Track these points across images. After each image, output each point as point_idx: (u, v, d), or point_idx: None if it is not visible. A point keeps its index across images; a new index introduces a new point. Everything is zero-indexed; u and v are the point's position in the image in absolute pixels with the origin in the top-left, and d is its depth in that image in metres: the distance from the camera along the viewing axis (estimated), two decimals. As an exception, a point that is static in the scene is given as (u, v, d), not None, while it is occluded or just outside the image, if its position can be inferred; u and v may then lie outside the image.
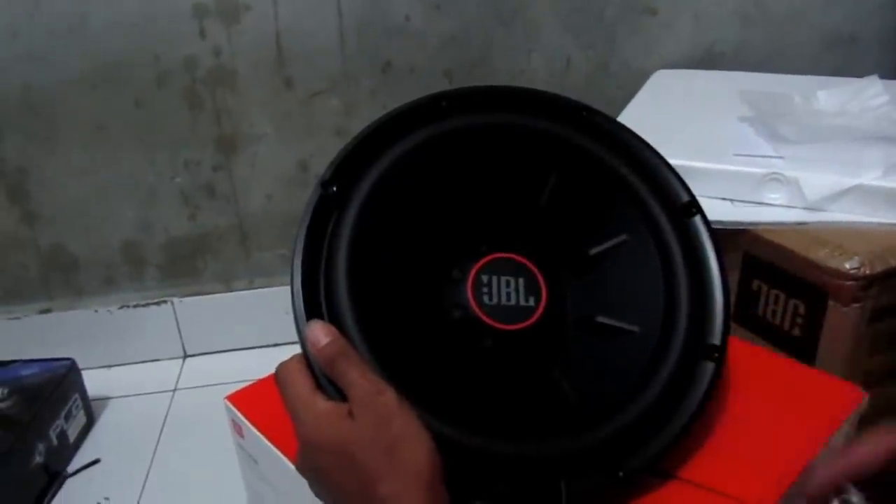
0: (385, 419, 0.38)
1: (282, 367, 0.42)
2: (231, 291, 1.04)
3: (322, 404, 0.40)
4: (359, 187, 0.46)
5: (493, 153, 0.50)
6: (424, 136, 0.48)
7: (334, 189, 0.46)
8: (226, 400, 0.53)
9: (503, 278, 0.47)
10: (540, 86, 0.54)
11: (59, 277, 1.00)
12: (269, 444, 0.49)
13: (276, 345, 1.05)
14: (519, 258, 0.48)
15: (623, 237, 0.49)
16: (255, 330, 1.05)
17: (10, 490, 0.77)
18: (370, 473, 0.37)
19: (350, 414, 0.39)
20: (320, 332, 0.41)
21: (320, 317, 0.42)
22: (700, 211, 0.50)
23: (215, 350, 1.06)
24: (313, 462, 0.40)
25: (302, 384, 0.41)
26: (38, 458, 0.81)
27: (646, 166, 0.51)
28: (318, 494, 0.42)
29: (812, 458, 0.45)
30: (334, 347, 0.40)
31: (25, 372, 0.88)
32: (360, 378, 0.40)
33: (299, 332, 0.42)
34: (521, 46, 0.93)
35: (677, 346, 0.46)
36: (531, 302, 0.47)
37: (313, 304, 0.43)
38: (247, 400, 0.53)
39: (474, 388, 0.44)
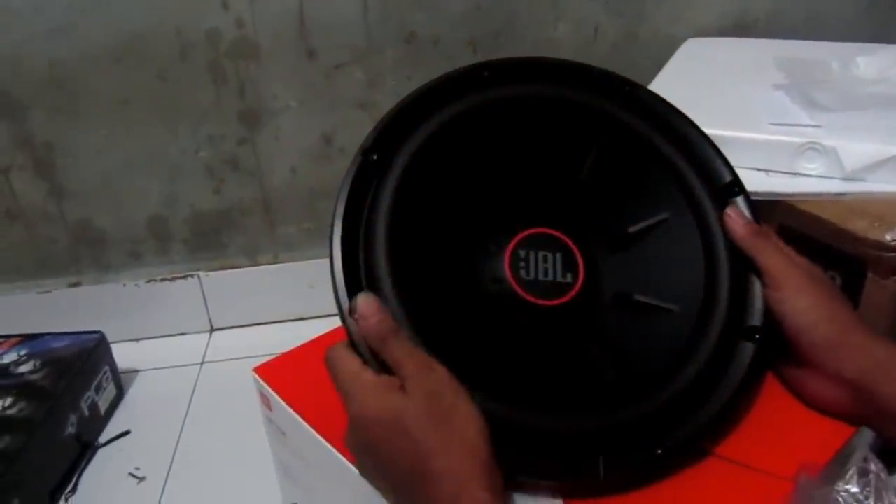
0: (437, 395, 0.38)
1: (329, 350, 0.42)
2: (256, 266, 1.04)
3: (371, 378, 0.40)
4: (399, 156, 0.45)
5: (534, 126, 0.50)
6: (466, 105, 0.48)
7: (375, 157, 0.45)
8: (253, 372, 0.53)
9: (541, 253, 0.47)
10: (566, 55, 0.53)
11: (87, 252, 1.01)
12: (296, 416, 0.49)
13: (300, 319, 1.05)
14: (557, 234, 0.48)
15: (664, 215, 0.49)
16: (281, 304, 1.05)
17: (44, 459, 0.78)
18: (424, 447, 0.37)
19: (401, 388, 0.39)
20: (367, 308, 0.41)
21: (359, 285, 0.42)
22: (743, 191, 0.50)
23: (241, 324, 1.07)
24: (364, 437, 0.40)
25: (350, 361, 0.41)
26: (71, 429, 0.83)
27: (689, 144, 0.51)
28: (366, 473, 0.41)
29: (850, 434, 0.44)
30: (384, 324, 0.40)
31: (56, 344, 0.90)
32: (411, 355, 0.39)
33: (338, 299, 0.42)
34: (548, 15, 0.91)
35: (717, 327, 0.45)
36: (568, 278, 0.47)
37: (352, 271, 0.42)
38: (274, 372, 0.53)
39: (511, 362, 0.44)
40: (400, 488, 0.39)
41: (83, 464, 0.84)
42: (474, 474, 0.36)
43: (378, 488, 0.41)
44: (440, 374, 0.39)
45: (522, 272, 0.46)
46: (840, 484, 0.36)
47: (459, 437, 0.37)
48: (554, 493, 0.41)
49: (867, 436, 0.42)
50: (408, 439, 0.37)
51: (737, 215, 0.48)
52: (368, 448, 0.40)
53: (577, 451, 0.41)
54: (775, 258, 0.46)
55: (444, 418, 0.37)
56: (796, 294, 0.44)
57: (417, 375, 0.39)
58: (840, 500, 0.37)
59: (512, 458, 0.39)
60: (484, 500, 0.35)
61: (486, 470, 0.37)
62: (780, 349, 0.46)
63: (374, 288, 0.42)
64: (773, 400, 0.47)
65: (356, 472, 0.43)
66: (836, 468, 0.39)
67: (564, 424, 0.42)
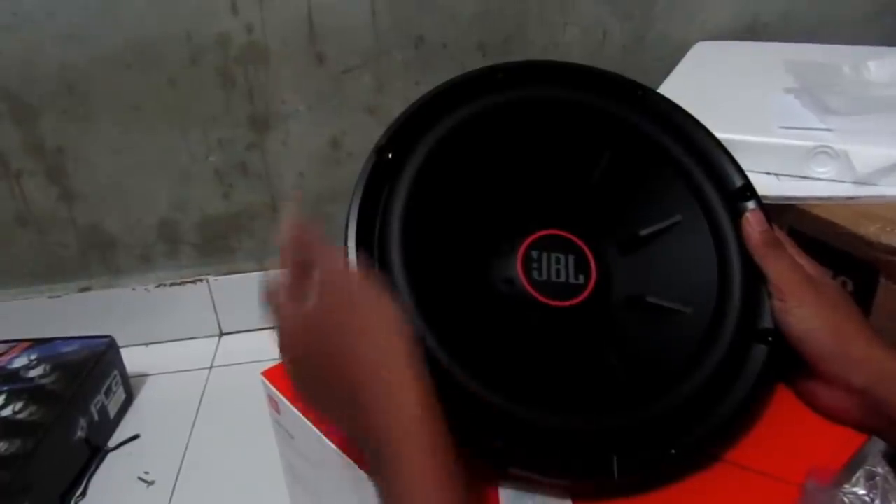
0: (343, 289, 0.39)
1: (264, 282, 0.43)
2: (265, 270, 1.04)
3: (292, 303, 0.41)
4: (413, 156, 0.46)
5: (547, 128, 0.50)
6: (479, 107, 0.48)
7: (389, 156, 0.45)
8: (262, 375, 0.53)
9: (553, 255, 0.47)
10: (575, 59, 0.53)
11: (97, 256, 1.01)
12: (304, 419, 0.49)
13: (309, 323, 1.05)
14: (569, 236, 0.48)
15: (675, 218, 0.49)
16: (289, 308, 1.05)
17: (54, 463, 0.79)
18: (340, 340, 0.37)
19: (318, 298, 0.39)
20: (289, 222, 0.42)
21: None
22: (755, 195, 0.50)
23: (250, 328, 1.07)
24: (292, 352, 0.41)
25: (280, 291, 0.42)
26: (81, 433, 0.83)
27: (700, 148, 0.51)
28: (304, 393, 0.42)
29: (863, 441, 0.43)
30: (299, 230, 0.41)
31: (66, 349, 0.90)
32: (327, 256, 0.40)
33: None
34: (556, 19, 0.91)
35: (730, 329, 0.45)
36: (581, 280, 0.47)
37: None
38: (282, 375, 0.53)
39: (523, 361, 0.44)
40: (338, 397, 0.39)
41: (93, 468, 0.84)
42: (399, 351, 0.36)
43: (328, 417, 0.42)
44: (356, 277, 0.40)
45: (535, 273, 0.46)
46: (846, 486, 0.36)
47: (375, 319, 0.37)
48: (563, 494, 0.41)
49: (879, 444, 0.42)
50: (325, 338, 0.38)
51: (756, 222, 0.48)
52: (303, 369, 0.41)
53: (590, 451, 0.41)
54: (781, 268, 0.46)
55: (355, 304, 0.38)
56: (799, 304, 0.44)
57: (332, 277, 0.39)
58: (846, 501, 0.36)
59: (524, 456, 0.39)
60: (410, 377, 0.36)
61: (408, 349, 0.37)
62: (791, 358, 0.46)
63: (389, 286, 0.42)
64: (785, 406, 0.47)
65: (365, 475, 0.43)
66: (845, 475, 0.38)
67: (577, 424, 0.42)
